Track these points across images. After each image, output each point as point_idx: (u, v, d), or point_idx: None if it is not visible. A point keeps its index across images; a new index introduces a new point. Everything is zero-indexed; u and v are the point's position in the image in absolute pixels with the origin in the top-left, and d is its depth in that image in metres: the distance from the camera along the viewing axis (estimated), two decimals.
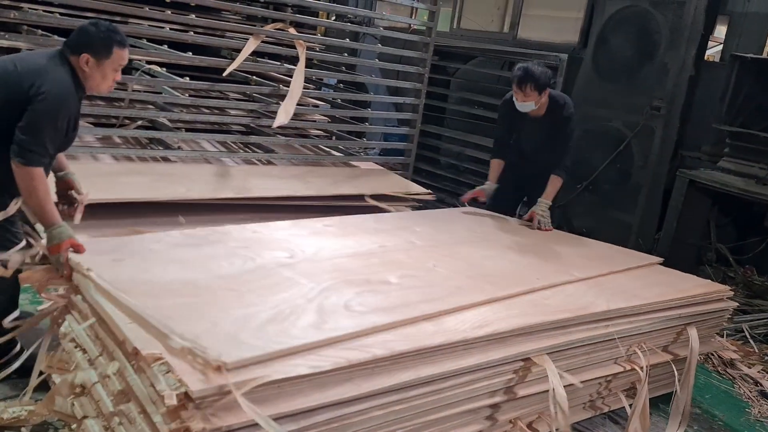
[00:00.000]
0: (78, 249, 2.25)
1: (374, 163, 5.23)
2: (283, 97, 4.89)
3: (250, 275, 2.27)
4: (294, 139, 4.90)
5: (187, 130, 4.44)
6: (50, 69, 2.28)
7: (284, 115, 4.26)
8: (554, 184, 3.73)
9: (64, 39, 3.80)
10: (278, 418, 1.66)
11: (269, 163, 4.74)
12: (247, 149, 4.67)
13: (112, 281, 2.01)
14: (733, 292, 3.14)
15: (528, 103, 3.59)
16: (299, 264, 2.44)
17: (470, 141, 6.10)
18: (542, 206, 3.68)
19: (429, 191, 4.49)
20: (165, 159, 4.28)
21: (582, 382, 2.52)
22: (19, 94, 2.22)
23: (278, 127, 4.93)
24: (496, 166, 3.95)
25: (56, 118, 2.25)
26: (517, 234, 3.47)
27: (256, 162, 4.69)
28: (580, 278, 2.82)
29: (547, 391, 2.24)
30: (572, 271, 2.88)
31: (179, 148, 4.38)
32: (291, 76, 4.77)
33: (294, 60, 4.65)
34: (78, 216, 2.56)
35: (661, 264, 3.36)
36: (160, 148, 4.34)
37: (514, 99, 3.65)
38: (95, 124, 4.06)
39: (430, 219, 3.56)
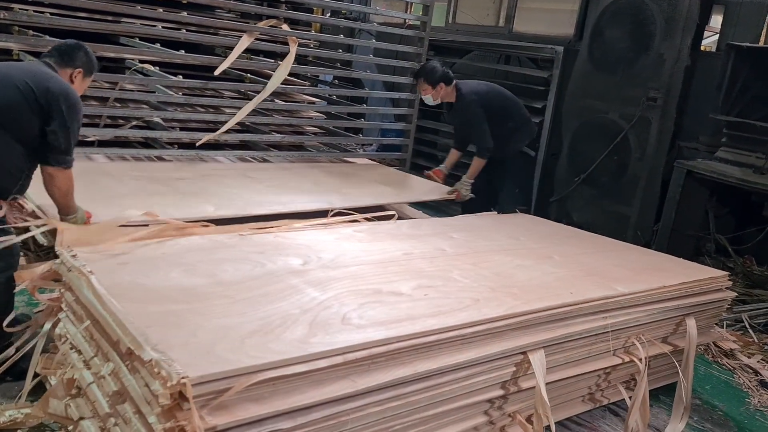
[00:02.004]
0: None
1: (369, 159, 5.22)
2: (278, 94, 4.89)
3: (253, 282, 2.19)
4: (289, 137, 4.89)
5: (182, 129, 4.42)
6: (55, 76, 2.48)
7: (241, 115, 4.34)
8: (474, 164, 4.29)
9: (56, 40, 3.83)
10: (274, 416, 1.65)
11: (264, 160, 4.72)
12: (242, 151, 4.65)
13: (110, 285, 1.98)
14: (731, 282, 3.13)
15: (426, 96, 4.23)
16: (311, 271, 2.36)
17: None
18: (461, 183, 4.28)
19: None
20: (159, 158, 4.27)
21: (581, 374, 2.52)
22: (33, 93, 2.34)
23: (274, 125, 4.93)
24: (452, 155, 4.68)
25: (80, 119, 2.48)
26: (565, 243, 3.25)
27: (250, 159, 4.67)
28: (623, 293, 2.59)
29: (547, 384, 2.23)
30: (615, 286, 2.62)
31: (175, 146, 4.37)
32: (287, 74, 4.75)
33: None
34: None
35: None
36: (156, 147, 4.33)
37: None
38: (87, 125, 4.04)
39: (474, 225, 3.42)
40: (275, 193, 3.70)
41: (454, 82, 4.26)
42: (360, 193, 3.99)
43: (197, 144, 4.25)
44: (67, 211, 2.57)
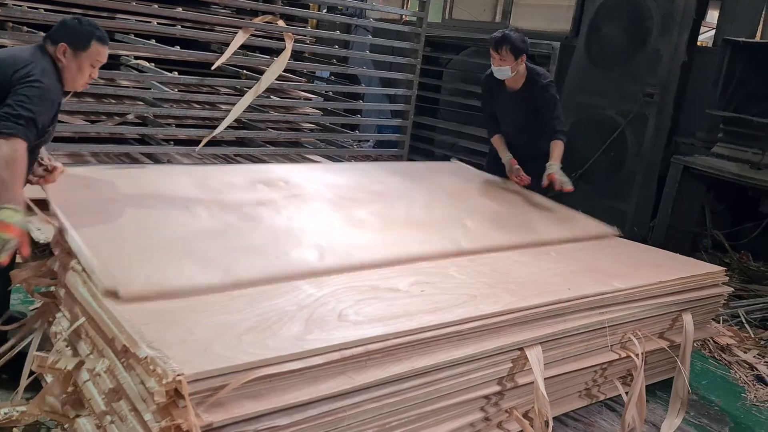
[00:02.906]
0: (22, 250, 2.08)
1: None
2: (274, 91, 4.87)
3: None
4: (285, 133, 4.88)
5: (177, 125, 4.41)
6: (36, 59, 2.25)
7: (236, 111, 4.28)
8: (558, 147, 3.64)
9: None
10: (271, 413, 1.65)
11: (260, 161, 4.71)
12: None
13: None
14: (728, 278, 3.13)
15: (504, 68, 3.58)
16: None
17: (464, 132, 6.08)
18: (555, 167, 3.56)
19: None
20: (153, 156, 4.26)
21: (578, 370, 2.53)
22: (2, 82, 2.16)
23: (270, 122, 4.91)
24: (498, 141, 3.90)
25: (45, 100, 2.20)
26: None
27: (243, 160, 4.66)
28: (620, 289, 2.59)
29: (544, 380, 2.23)
30: (613, 282, 2.61)
31: (171, 143, 4.36)
32: (283, 70, 4.72)
33: None
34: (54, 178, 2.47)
35: None
36: (152, 143, 4.32)
37: (492, 68, 3.67)
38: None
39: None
40: (386, 227, 2.77)
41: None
42: (498, 229, 3.06)
43: (197, 150, 4.21)
44: (3, 195, 2.06)
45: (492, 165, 4.02)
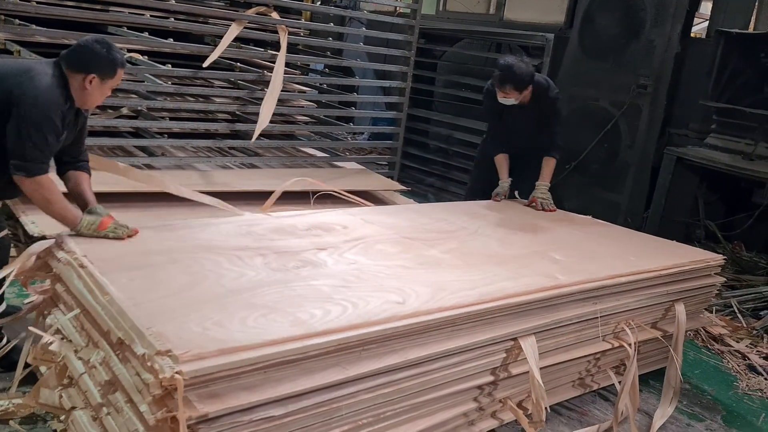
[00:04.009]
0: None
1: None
2: (267, 83, 4.84)
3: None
4: (280, 126, 4.86)
5: (171, 118, 4.40)
6: (36, 74, 2.19)
7: (266, 115, 4.11)
8: (549, 165, 3.77)
9: (42, 29, 3.78)
10: (266, 404, 1.66)
11: (255, 154, 4.71)
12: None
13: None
14: (721, 268, 3.15)
15: (509, 99, 3.57)
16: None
17: (459, 124, 6.08)
18: (542, 189, 3.71)
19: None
20: (147, 149, 4.25)
21: (571, 360, 2.54)
22: (2, 94, 2.15)
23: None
24: (502, 161, 3.85)
25: (48, 120, 2.18)
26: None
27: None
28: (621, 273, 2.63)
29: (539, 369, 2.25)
30: (607, 269, 2.63)
31: (165, 136, 4.34)
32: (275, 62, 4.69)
33: (278, 46, 4.60)
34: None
35: None
36: (146, 136, 4.31)
37: (495, 89, 3.61)
38: None
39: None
40: (467, 265, 2.53)
41: None
42: (591, 260, 2.83)
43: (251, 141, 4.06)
44: (65, 222, 2.25)
45: (479, 170, 4.13)
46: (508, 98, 3.56)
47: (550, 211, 3.65)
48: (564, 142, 3.86)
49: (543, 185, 3.72)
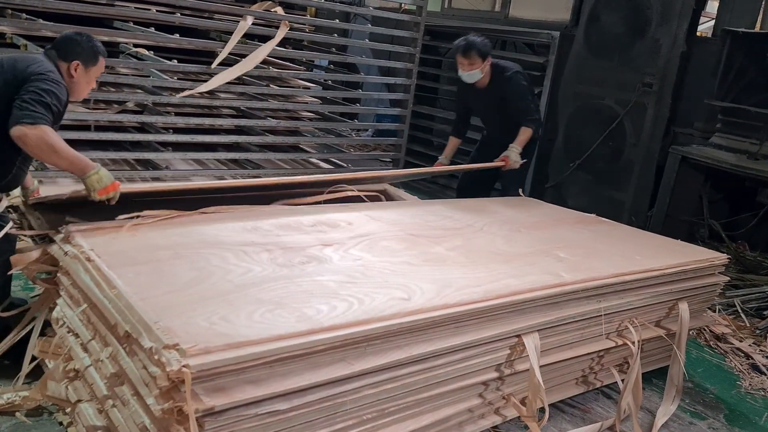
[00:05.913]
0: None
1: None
2: (273, 79, 4.86)
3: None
4: (285, 122, 4.87)
5: (177, 114, 4.41)
6: (43, 62, 2.38)
7: (219, 79, 4.19)
8: (524, 132, 3.96)
9: (49, 23, 3.80)
10: (271, 398, 1.66)
11: (260, 149, 4.71)
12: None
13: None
14: (725, 267, 3.15)
15: (474, 72, 3.85)
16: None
17: None
18: (513, 150, 3.92)
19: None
20: (151, 145, 4.26)
21: (575, 357, 2.55)
22: (14, 79, 2.26)
23: (269, 111, 4.90)
24: (452, 142, 4.32)
25: (56, 95, 2.29)
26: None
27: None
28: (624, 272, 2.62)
29: (541, 367, 2.26)
30: (612, 267, 2.63)
31: (170, 131, 4.36)
32: (280, 58, 4.70)
33: (285, 42, 4.60)
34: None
35: None
36: (151, 131, 4.32)
37: (460, 73, 3.90)
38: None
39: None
40: (472, 263, 2.57)
41: None
42: (595, 258, 2.84)
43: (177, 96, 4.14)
44: (76, 170, 2.29)
45: (479, 152, 4.34)
46: (473, 70, 3.84)
47: (513, 167, 3.92)
48: (539, 114, 4.06)
49: (514, 147, 3.93)
